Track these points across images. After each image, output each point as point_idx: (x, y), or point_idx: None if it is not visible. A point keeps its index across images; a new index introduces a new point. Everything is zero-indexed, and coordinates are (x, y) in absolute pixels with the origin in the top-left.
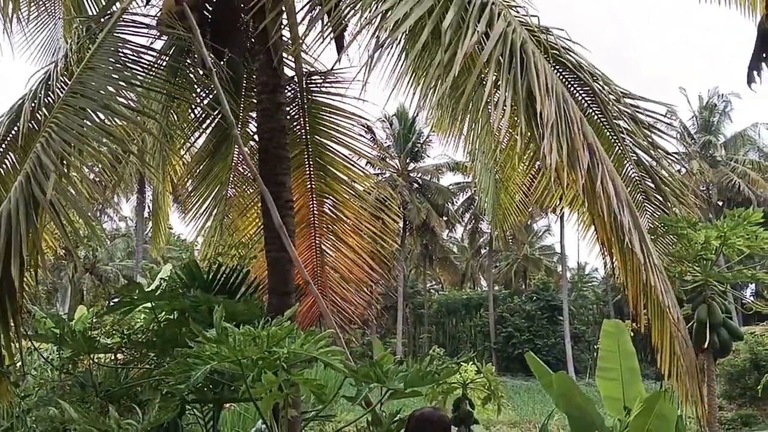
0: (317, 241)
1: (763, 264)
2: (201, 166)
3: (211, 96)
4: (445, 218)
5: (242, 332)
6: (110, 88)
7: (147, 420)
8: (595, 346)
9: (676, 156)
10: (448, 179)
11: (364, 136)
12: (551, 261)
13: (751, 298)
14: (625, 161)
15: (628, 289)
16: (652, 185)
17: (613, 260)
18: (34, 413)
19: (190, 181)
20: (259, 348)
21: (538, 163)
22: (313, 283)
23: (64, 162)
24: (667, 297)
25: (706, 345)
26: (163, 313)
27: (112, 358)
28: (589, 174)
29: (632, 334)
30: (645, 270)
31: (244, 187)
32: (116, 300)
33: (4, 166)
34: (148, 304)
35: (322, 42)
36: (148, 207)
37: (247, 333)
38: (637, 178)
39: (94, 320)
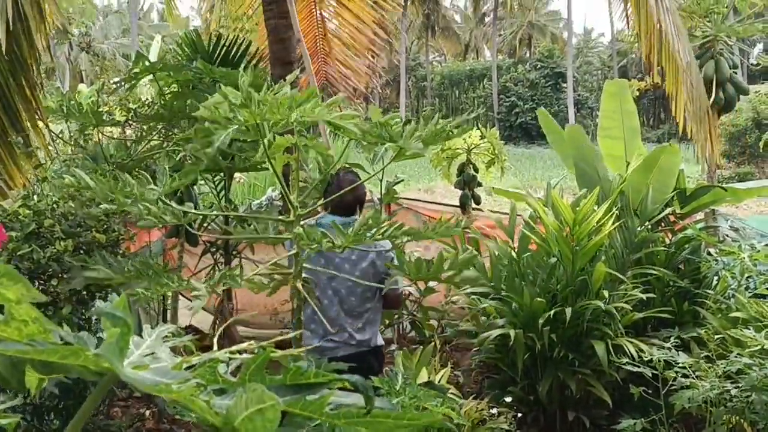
0: (318, 10)
1: None
2: None
3: None
4: None
5: (265, 97)
6: None
7: (164, 186)
8: (597, 112)
9: None
10: None
11: None
12: (557, 27)
13: (761, 54)
14: None
15: (641, 38)
16: None
17: (627, 6)
18: (49, 183)
19: None
20: (283, 112)
21: None
22: (316, 53)
23: None
24: (677, 41)
25: (711, 101)
26: (173, 85)
27: (121, 132)
28: None
29: (637, 93)
30: (657, 12)
31: None
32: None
33: None
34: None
35: None
36: None
37: (271, 97)
38: None
39: (100, 96)
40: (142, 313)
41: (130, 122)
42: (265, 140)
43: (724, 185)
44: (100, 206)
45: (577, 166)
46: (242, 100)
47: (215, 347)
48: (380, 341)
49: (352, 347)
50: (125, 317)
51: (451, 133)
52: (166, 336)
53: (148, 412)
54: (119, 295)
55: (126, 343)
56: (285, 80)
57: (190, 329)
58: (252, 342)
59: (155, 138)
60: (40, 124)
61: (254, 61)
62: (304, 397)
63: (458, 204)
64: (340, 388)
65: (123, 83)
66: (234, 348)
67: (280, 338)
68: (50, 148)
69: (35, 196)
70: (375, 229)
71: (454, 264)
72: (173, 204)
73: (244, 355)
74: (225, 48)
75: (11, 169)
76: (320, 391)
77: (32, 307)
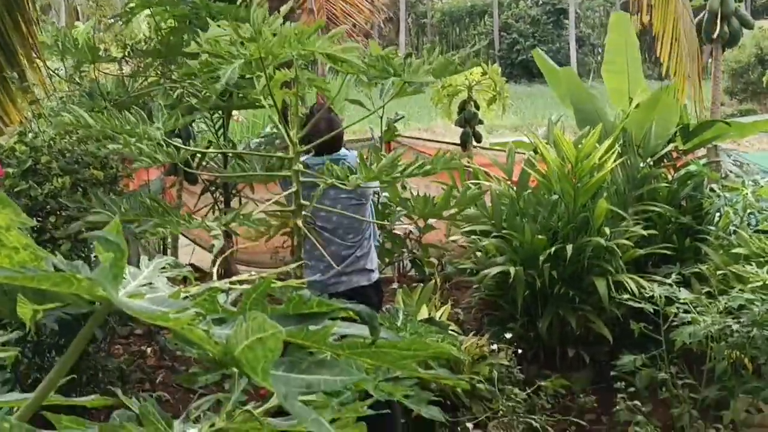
0: None
1: None
2: None
3: None
4: None
5: (272, 30)
6: None
7: (163, 123)
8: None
9: None
10: None
11: None
12: None
13: None
14: None
15: None
16: None
17: None
18: (46, 119)
19: None
20: (290, 45)
21: None
22: None
23: None
24: None
25: (715, 35)
26: (169, 21)
27: (118, 68)
28: None
29: (640, 29)
30: None
31: None
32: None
33: None
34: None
35: None
36: None
37: (277, 31)
38: None
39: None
40: (141, 251)
41: (127, 59)
42: (267, 75)
43: (727, 120)
44: (108, 147)
45: (575, 107)
46: (251, 33)
47: (215, 277)
48: (377, 275)
49: (352, 281)
50: (118, 241)
51: (459, 66)
52: (164, 267)
53: (149, 350)
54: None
55: (120, 269)
56: (279, 12)
57: (190, 267)
58: (252, 273)
59: (152, 74)
60: (37, 60)
61: None
62: (306, 327)
63: (459, 142)
64: (343, 318)
65: (120, 18)
66: (234, 278)
67: (280, 270)
68: (46, 84)
69: (31, 133)
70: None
71: (461, 201)
72: (170, 142)
73: (244, 286)
74: None
75: (7, 105)
76: (323, 321)
77: (23, 233)
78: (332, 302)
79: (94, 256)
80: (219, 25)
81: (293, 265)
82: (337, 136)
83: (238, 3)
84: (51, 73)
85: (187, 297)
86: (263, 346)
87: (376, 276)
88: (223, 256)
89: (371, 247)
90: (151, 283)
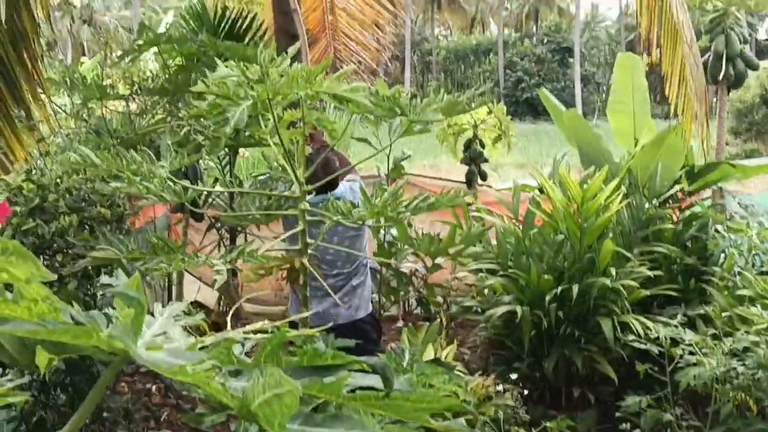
0: None
1: None
2: None
3: None
4: None
5: (284, 71)
6: None
7: (170, 162)
8: (605, 87)
9: None
10: None
11: None
12: (564, 1)
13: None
14: None
15: (642, 13)
16: None
17: None
18: (52, 157)
19: None
20: (297, 87)
21: None
22: (324, 28)
23: None
24: (681, 12)
25: (721, 76)
26: (177, 59)
27: (125, 106)
28: None
29: (647, 69)
30: None
31: None
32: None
33: None
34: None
35: None
36: None
37: (285, 72)
38: None
39: (104, 69)
40: (146, 288)
41: (134, 96)
42: (275, 115)
43: (732, 162)
44: (110, 185)
45: (580, 148)
46: (260, 74)
47: (229, 326)
48: (370, 308)
49: (351, 313)
50: (138, 297)
51: (467, 106)
52: (178, 315)
53: (154, 387)
54: (125, 270)
55: (140, 324)
56: (287, 53)
57: (195, 305)
58: (265, 321)
59: (159, 112)
60: (42, 96)
61: (259, 35)
62: (321, 379)
63: (464, 180)
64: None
65: (127, 55)
66: (248, 328)
67: (283, 314)
68: (52, 121)
69: (38, 171)
70: (394, 202)
71: (466, 238)
72: (177, 181)
73: (259, 336)
74: (230, 21)
75: (13, 142)
76: (337, 372)
77: (42, 285)
78: (347, 356)
79: (101, 295)
80: (227, 65)
81: (304, 315)
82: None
83: (245, 41)
84: (57, 109)
85: (202, 348)
86: (280, 401)
87: (371, 308)
88: (231, 298)
89: (367, 275)
90: (165, 333)
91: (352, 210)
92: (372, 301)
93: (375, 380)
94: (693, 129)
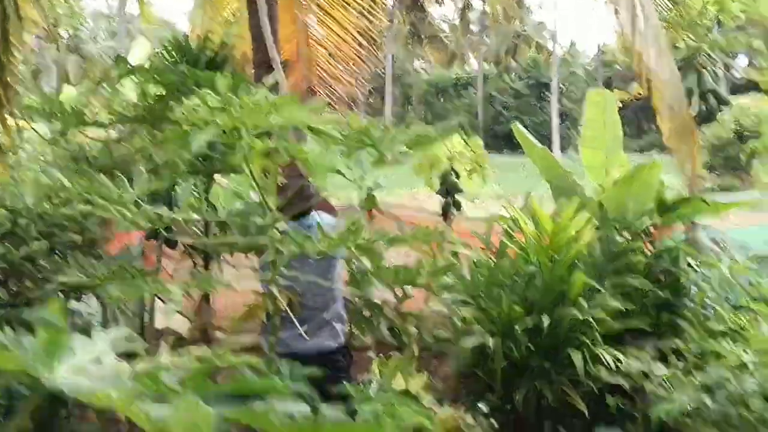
0: (302, 16)
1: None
2: None
3: None
4: None
5: (244, 100)
6: None
7: (139, 189)
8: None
9: None
10: None
11: None
12: (543, 38)
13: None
14: None
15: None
16: None
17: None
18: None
19: None
20: (262, 116)
21: None
22: (299, 59)
23: None
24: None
25: (694, 113)
26: (155, 88)
27: (106, 133)
28: None
29: (620, 105)
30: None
31: None
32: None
33: None
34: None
35: None
36: None
37: (250, 101)
38: None
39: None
40: (120, 315)
41: (113, 124)
42: (244, 144)
43: (705, 198)
44: (78, 207)
45: (551, 183)
46: (221, 103)
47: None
48: (342, 338)
49: (320, 343)
50: (54, 321)
51: (434, 138)
52: (118, 340)
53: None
54: (96, 296)
55: (57, 346)
56: (263, 83)
57: (166, 332)
58: (207, 348)
59: (138, 141)
60: (13, 123)
61: (239, 65)
62: (250, 406)
63: (439, 211)
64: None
65: (103, 84)
66: (188, 353)
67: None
68: (27, 147)
69: (9, 196)
70: (356, 234)
71: (435, 270)
72: (149, 207)
73: (188, 362)
74: (212, 52)
75: None
76: (269, 398)
77: None
78: (275, 382)
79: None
80: (196, 95)
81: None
82: (306, 200)
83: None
84: (34, 135)
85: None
86: (197, 429)
87: (342, 339)
88: (204, 326)
89: (339, 306)
90: (98, 358)
91: (310, 241)
92: (343, 332)
93: (305, 408)
94: (681, 162)
